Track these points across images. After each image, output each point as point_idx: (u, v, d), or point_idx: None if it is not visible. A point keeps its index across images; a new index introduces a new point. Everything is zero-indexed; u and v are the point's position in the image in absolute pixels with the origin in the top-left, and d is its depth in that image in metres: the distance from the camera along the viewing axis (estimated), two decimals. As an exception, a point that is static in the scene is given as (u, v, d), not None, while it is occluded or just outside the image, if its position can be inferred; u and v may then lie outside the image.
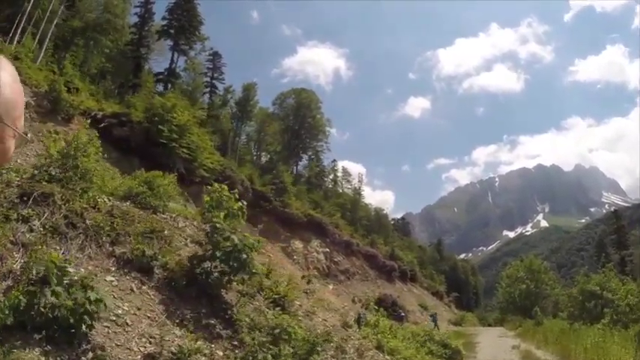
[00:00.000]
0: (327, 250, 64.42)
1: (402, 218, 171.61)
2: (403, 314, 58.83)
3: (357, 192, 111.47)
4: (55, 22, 48.24)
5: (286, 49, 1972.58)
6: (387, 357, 19.11)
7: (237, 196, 15.30)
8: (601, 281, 39.36)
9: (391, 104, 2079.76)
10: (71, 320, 8.22)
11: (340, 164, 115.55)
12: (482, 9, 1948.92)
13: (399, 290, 74.71)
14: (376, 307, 29.55)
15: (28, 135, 1.72)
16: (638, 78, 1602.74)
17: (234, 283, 14.92)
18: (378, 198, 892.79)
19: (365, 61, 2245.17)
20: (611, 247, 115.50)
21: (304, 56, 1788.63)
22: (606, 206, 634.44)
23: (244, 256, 13.40)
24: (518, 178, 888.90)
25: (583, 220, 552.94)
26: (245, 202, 15.50)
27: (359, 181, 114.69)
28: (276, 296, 16.42)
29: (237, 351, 11.77)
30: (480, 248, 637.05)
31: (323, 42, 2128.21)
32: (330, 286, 57.91)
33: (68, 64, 45.99)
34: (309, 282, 38.09)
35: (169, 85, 64.29)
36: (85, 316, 8.43)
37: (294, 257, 57.61)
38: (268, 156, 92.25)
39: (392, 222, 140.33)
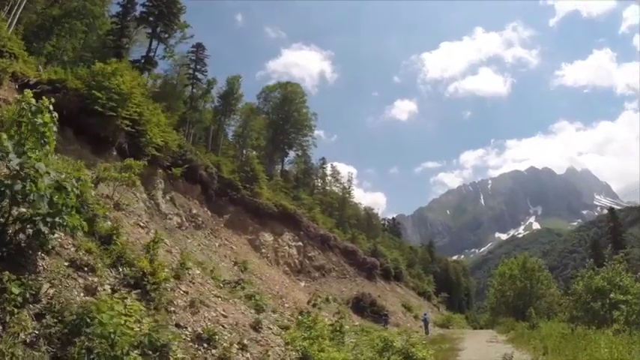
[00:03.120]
0: (301, 244, 59.27)
1: (393, 219, 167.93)
2: (386, 316, 53.90)
3: (347, 191, 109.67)
4: (22, 5, 45.49)
5: (271, 51, 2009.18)
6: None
7: (52, 107, 9.66)
8: (609, 276, 33.05)
9: (378, 107, 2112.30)
10: None
11: (329, 163, 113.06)
12: (466, 13, 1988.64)
13: (380, 289, 69.79)
14: (331, 304, 24.11)
15: None
16: (626, 82, 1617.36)
17: (72, 248, 11.14)
18: (370, 200, 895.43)
19: (350, 64, 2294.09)
20: (606, 247, 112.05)
21: (289, 59, 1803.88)
22: (598, 209, 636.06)
23: (17, 186, 8.37)
24: (510, 180, 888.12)
25: (575, 223, 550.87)
26: (56, 115, 9.79)
27: (348, 180, 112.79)
28: (128, 272, 11.47)
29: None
30: (472, 250, 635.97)
31: (308, 44, 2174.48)
32: (302, 283, 53.13)
33: (2, 26, 40.78)
34: (244, 270, 32.92)
35: (146, 73, 59.48)
36: None
37: (263, 251, 52.52)
38: (254, 152, 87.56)
39: (382, 222, 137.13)
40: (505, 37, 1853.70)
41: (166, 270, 13.66)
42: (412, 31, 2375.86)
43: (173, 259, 17.68)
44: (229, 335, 13.50)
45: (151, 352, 8.94)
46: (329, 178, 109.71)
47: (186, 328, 12.22)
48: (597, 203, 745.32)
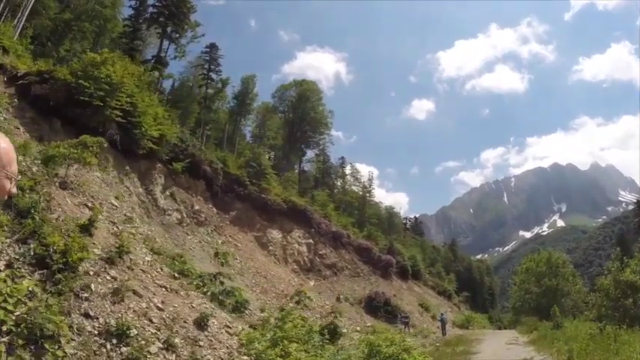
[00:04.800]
0: (311, 241, 56.57)
1: (415, 217, 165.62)
2: (407, 318, 51.19)
3: (367, 190, 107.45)
4: (29, 8, 45.49)
5: (285, 55, 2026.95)
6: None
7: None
8: None
9: (395, 107, 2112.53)
10: None
11: (349, 163, 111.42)
12: (480, 10, 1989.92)
13: (396, 288, 67.08)
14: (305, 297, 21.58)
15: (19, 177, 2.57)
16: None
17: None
18: (392, 200, 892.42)
19: (364, 65, 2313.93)
20: (633, 242, 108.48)
21: (304, 61, 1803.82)
22: (623, 205, 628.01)
23: None
24: (533, 177, 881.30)
25: (600, 220, 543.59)
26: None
27: (369, 179, 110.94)
28: (37, 249, 10.33)
29: None
30: (497, 249, 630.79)
31: (322, 46, 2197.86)
32: (312, 282, 50.68)
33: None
34: (224, 263, 30.30)
35: (157, 74, 58.35)
36: None
37: (270, 248, 50.20)
38: (272, 153, 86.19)
39: (404, 222, 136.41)
40: (520, 33, 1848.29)
41: (97, 251, 11.43)
42: (426, 30, 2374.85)
43: (116, 242, 15.41)
44: (155, 332, 11.15)
45: (20, 341, 6.66)
46: (349, 177, 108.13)
47: (97, 318, 10.03)
48: (622, 199, 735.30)
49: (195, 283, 20.48)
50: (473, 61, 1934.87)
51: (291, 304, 24.30)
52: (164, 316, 12.47)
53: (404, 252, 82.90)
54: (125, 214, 25.05)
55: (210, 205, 46.60)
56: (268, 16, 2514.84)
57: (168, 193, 39.56)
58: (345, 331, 32.54)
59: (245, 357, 12.22)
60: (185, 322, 12.96)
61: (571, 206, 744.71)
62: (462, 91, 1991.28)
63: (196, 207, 42.95)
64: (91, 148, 19.94)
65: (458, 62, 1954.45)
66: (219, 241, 42.49)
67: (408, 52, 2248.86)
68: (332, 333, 22.57)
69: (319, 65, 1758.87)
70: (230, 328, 14.42)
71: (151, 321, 11.74)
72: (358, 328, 42.67)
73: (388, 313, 52.40)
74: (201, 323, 13.21)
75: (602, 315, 28.94)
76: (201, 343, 12.16)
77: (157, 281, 14.61)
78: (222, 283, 24.10)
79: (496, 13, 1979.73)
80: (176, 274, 17.38)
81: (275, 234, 52.05)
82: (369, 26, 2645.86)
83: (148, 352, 10.13)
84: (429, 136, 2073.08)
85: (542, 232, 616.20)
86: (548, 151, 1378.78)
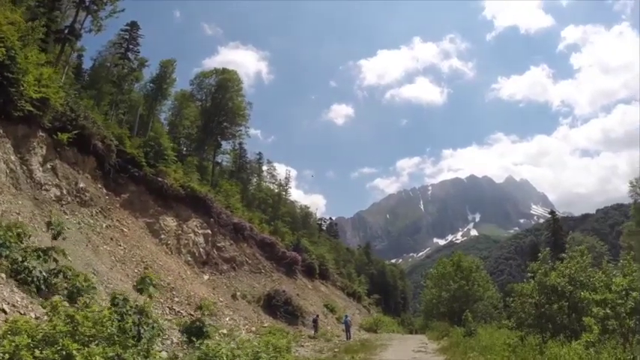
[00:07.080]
0: (209, 232, 52.02)
1: (331, 219, 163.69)
2: (315, 322, 47.49)
3: (283, 188, 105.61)
4: None
5: (208, 49, 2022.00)
6: None
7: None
8: (570, 272, 25.28)
9: (314, 110, 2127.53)
10: None
11: (266, 160, 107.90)
12: (404, 22, 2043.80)
13: (300, 287, 63.84)
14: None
15: None
16: (561, 99, 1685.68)
17: None
18: (309, 201, 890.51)
19: (286, 66, 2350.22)
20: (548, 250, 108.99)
21: (226, 57, 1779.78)
22: (535, 218, 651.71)
23: None
24: (450, 187, 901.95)
25: (512, 231, 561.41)
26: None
27: (286, 178, 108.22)
28: None
29: None
30: (411, 254, 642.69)
31: (245, 44, 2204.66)
32: (206, 276, 46.53)
33: None
34: (56, 236, 25.07)
35: (68, 46, 53.11)
36: None
37: (162, 236, 45.54)
38: (187, 142, 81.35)
39: (319, 223, 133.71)
40: (442, 48, 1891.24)
41: None
42: (350, 37, 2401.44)
43: None
44: None
45: None
46: (265, 174, 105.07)
47: None
48: (534, 212, 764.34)
49: (11, 256, 16.48)
50: (394, 71, 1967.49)
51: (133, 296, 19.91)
52: None
53: (312, 250, 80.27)
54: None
55: (100, 185, 41.75)
56: (193, 8, 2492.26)
57: (48, 166, 34.69)
58: (224, 331, 28.53)
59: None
60: None
61: (485, 217, 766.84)
62: (381, 100, 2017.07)
63: (81, 185, 37.96)
64: None
65: (379, 71, 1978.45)
66: (104, 225, 37.90)
67: (331, 57, 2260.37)
68: (197, 333, 18.53)
69: (241, 62, 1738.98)
70: (5, 313, 10.05)
71: None
72: (254, 329, 39.38)
73: (288, 313, 49.27)
74: None
75: (522, 323, 25.38)
76: None
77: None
78: (55, 261, 19.50)
79: (420, 27, 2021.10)
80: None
81: (169, 221, 47.37)
82: (293, 28, 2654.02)
83: None
84: (347, 141, 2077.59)
85: (456, 240, 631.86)
86: (463, 163, 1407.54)
